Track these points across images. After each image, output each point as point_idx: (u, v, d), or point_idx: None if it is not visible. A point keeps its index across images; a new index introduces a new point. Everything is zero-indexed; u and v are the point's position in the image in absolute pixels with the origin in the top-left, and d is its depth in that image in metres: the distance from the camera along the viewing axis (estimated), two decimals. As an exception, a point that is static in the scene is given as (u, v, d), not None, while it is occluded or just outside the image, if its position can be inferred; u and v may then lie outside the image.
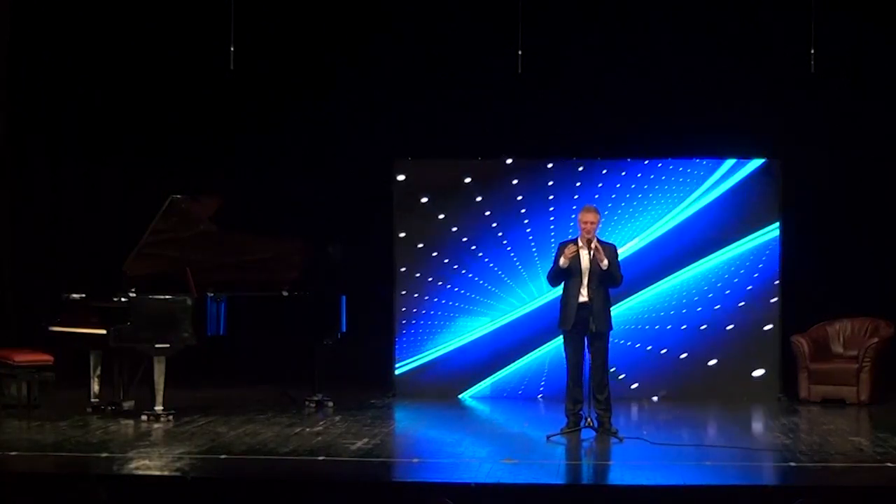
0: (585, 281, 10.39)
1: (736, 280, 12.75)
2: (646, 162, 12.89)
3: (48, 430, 10.58)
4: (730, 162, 12.84)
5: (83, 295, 11.46)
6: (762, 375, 12.69)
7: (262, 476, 8.94)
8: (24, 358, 11.53)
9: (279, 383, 12.78)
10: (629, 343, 12.70)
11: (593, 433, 10.36)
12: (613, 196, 12.84)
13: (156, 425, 10.83)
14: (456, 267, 13.00)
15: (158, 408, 11.04)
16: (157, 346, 10.98)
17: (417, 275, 13.04)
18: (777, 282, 12.75)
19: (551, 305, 11.54)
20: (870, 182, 13.44)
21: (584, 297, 10.40)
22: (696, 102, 13.32)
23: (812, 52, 12.03)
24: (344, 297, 12.39)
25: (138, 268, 11.35)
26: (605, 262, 10.37)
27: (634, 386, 12.72)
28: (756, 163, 12.82)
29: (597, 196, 12.74)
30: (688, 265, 12.82)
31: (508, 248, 12.94)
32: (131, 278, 11.29)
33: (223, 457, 9.44)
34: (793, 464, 9.31)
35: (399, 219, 13.06)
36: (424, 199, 13.04)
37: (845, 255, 13.29)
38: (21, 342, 12.13)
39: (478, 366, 13.00)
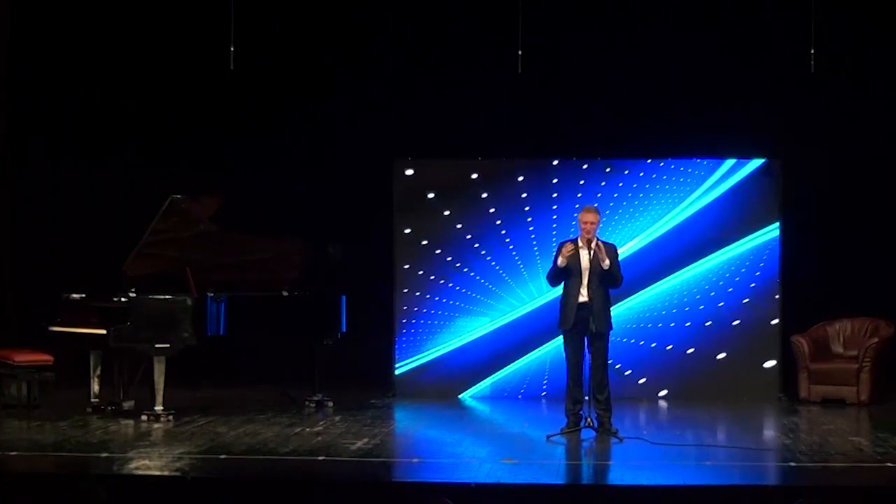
0: (585, 281, 10.39)
1: (737, 279, 12.75)
2: (648, 161, 12.89)
3: (48, 430, 10.58)
4: (730, 162, 12.85)
5: (83, 295, 11.47)
6: (774, 366, 12.68)
7: (262, 476, 8.94)
8: (24, 358, 11.53)
9: (279, 383, 12.78)
10: (633, 341, 12.70)
11: (593, 433, 10.36)
12: (616, 195, 12.84)
13: (156, 425, 10.83)
14: (458, 265, 13.01)
15: (158, 408, 11.04)
16: (157, 346, 10.98)
17: (420, 272, 13.04)
18: (777, 282, 12.75)
19: (551, 305, 11.54)
20: (870, 182, 13.45)
21: (583, 296, 10.40)
22: (696, 102, 13.32)
23: (812, 52, 12.02)
24: (344, 297, 12.39)
25: (138, 268, 11.35)
26: (607, 262, 10.36)
27: (642, 381, 12.72)
28: (756, 163, 12.82)
29: (599, 195, 12.75)
30: (688, 265, 12.82)
31: (511, 247, 12.95)
32: (131, 278, 11.29)
33: (223, 457, 9.44)
34: (793, 464, 9.31)
35: (405, 215, 13.04)
36: (431, 195, 13.04)
37: (845, 255, 13.29)
38: (21, 342, 12.13)
39: (478, 366, 13.01)
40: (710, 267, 12.81)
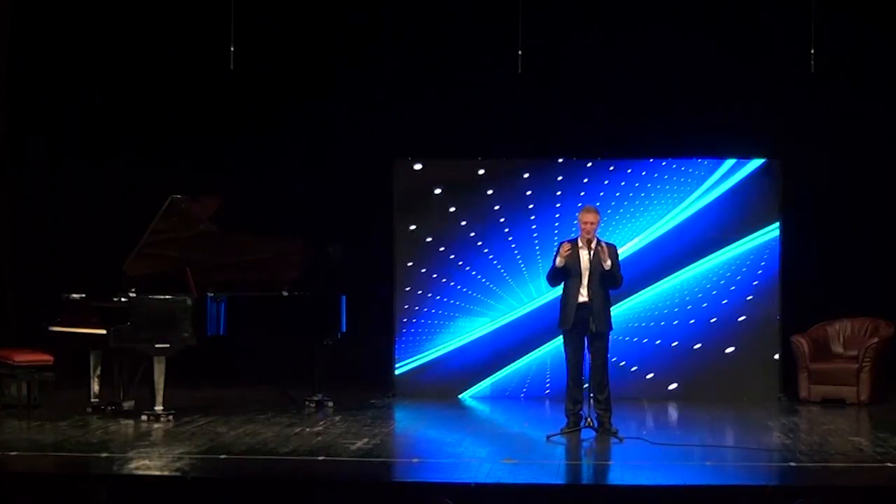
0: (585, 281, 10.39)
1: (739, 277, 12.75)
2: (651, 160, 12.90)
3: (48, 430, 10.58)
4: (730, 162, 12.85)
5: (83, 295, 11.46)
6: (778, 360, 12.72)
7: (262, 476, 8.94)
8: (24, 358, 11.53)
9: (279, 383, 12.78)
10: (636, 339, 12.71)
11: (593, 433, 10.36)
12: (617, 194, 12.85)
13: (156, 425, 10.83)
14: (461, 263, 13.00)
15: (158, 408, 11.04)
16: (157, 346, 10.98)
17: (423, 270, 13.04)
18: (777, 282, 12.75)
19: (551, 305, 11.54)
20: (870, 182, 13.45)
21: (583, 296, 10.40)
22: (696, 102, 13.32)
23: (812, 52, 12.03)
24: (344, 297, 12.39)
25: (138, 268, 11.35)
26: (609, 262, 10.36)
27: (650, 376, 12.73)
28: (756, 163, 12.83)
29: (602, 193, 12.76)
30: (688, 265, 12.83)
31: (513, 246, 12.95)
32: (131, 278, 11.29)
33: (223, 457, 9.44)
34: (793, 464, 9.31)
35: (409, 212, 13.03)
36: (438, 191, 13.03)
37: (845, 255, 13.29)
38: (21, 342, 12.13)
39: (478, 366, 13.01)
40: (710, 267, 12.81)
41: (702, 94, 13.34)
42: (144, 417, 11.03)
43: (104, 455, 9.47)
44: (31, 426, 10.76)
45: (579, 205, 11.25)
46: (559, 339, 10.98)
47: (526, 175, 12.94)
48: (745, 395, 12.58)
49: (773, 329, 12.74)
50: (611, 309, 10.62)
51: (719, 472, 9.16)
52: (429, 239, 13.04)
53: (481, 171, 13.02)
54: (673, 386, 12.74)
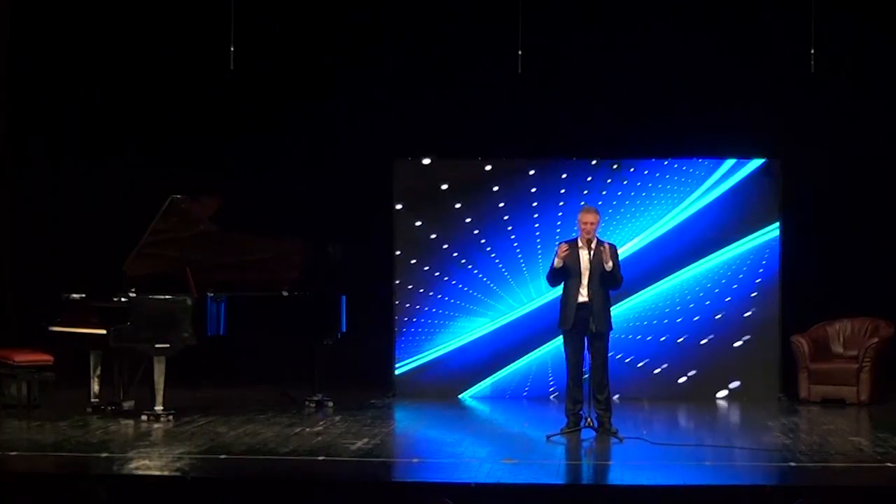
0: (585, 281, 10.39)
1: (741, 275, 12.75)
2: (652, 160, 12.90)
3: (48, 430, 10.58)
4: (730, 162, 12.85)
5: (83, 295, 11.47)
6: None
7: (262, 476, 8.94)
8: (24, 358, 11.53)
9: (279, 383, 12.78)
10: (639, 337, 12.72)
11: (593, 433, 10.36)
12: (619, 193, 12.85)
13: (156, 425, 10.83)
14: (463, 261, 13.00)
15: (158, 408, 11.04)
16: (157, 346, 10.98)
17: (426, 268, 13.03)
18: (777, 282, 12.75)
19: (551, 305, 11.54)
20: (870, 182, 13.45)
21: (583, 297, 10.40)
22: (696, 102, 13.32)
23: (812, 52, 12.03)
24: (344, 297, 12.39)
25: (138, 268, 11.35)
26: (610, 263, 10.36)
27: (657, 371, 12.72)
28: (756, 163, 12.82)
29: (604, 192, 12.75)
30: (688, 265, 12.83)
31: (515, 245, 12.95)
32: (131, 278, 11.29)
33: (223, 457, 9.44)
34: (793, 464, 9.31)
35: (414, 209, 13.03)
36: (445, 186, 13.03)
37: (845, 255, 13.29)
38: (21, 342, 12.13)
39: (478, 366, 13.01)
40: (710, 267, 12.81)
41: (702, 94, 13.34)
42: (144, 417, 11.03)
43: (104, 455, 9.47)
44: (31, 426, 10.76)
45: (581, 203, 11.25)
46: (559, 340, 10.98)
47: (531, 172, 12.95)
48: (746, 394, 12.58)
49: (774, 329, 12.74)
50: (611, 309, 10.62)
51: (719, 472, 9.16)
52: (433, 236, 13.05)
53: (488, 167, 13.02)
54: (682, 380, 12.72)
